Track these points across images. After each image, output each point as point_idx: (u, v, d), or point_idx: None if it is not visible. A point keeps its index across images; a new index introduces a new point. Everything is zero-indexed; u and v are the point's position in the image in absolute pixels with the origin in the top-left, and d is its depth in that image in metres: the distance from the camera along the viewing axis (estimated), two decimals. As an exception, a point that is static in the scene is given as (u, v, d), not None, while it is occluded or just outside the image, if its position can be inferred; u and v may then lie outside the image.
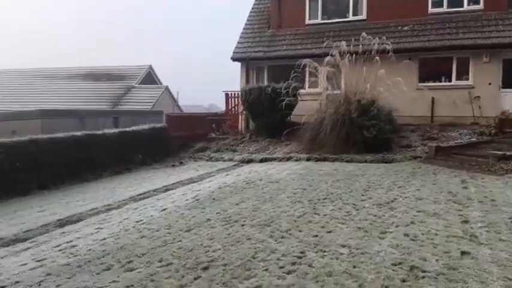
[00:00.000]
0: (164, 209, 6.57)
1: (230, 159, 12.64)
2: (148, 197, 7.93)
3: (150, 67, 30.80)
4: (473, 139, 11.81)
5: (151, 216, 6.19)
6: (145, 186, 9.19)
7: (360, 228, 4.95)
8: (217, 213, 6.05)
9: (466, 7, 14.80)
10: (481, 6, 14.55)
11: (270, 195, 7.03)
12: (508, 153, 9.39)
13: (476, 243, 4.35)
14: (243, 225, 5.29)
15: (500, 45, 13.47)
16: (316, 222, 5.25)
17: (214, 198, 7.06)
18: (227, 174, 9.92)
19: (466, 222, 5.13)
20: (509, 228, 4.78)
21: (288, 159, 11.80)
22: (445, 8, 15.07)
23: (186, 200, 7.19)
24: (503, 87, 13.66)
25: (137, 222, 5.90)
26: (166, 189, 8.69)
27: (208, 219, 5.71)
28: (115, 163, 12.09)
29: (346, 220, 5.33)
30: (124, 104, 26.70)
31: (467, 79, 14.25)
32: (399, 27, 15.34)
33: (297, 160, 11.55)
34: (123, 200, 7.80)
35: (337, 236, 4.69)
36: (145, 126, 14.29)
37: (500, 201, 6.12)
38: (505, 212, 5.47)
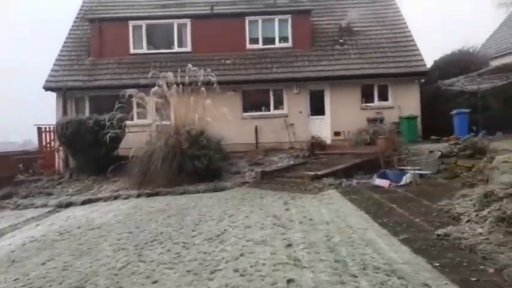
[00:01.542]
0: None
1: (44, 205, 10.72)
2: None
3: None
4: (291, 162, 13.04)
5: None
6: None
7: (189, 271, 4.56)
8: (15, 280, 4.80)
9: (277, 44, 16.63)
10: (290, 44, 16.56)
11: (89, 245, 6.04)
12: (319, 172, 10.59)
13: (300, 268, 4.47)
14: (47, 292, 4.27)
15: (307, 78, 15.49)
16: (141, 273, 4.64)
17: (13, 260, 5.66)
18: (37, 225, 8.29)
19: (290, 246, 5.31)
20: (327, 247, 5.13)
21: (116, 197, 10.72)
22: (260, 45, 16.62)
23: (-28, 268, 5.56)
24: (311, 115, 15.69)
25: None
26: None
27: (-1, 292, 4.45)
28: None
29: (174, 264, 4.87)
30: None
31: (282, 108, 15.88)
32: (222, 61, 16.15)
33: (125, 198, 10.58)
34: None
35: (163, 286, 4.19)
36: None
37: (317, 220, 6.66)
38: (321, 231, 5.92)
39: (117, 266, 4.95)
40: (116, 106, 12.69)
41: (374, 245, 5.14)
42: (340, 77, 15.36)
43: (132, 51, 16.56)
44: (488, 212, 5.43)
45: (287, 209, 7.69)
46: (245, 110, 15.72)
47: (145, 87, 13.03)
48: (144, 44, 16.66)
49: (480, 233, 5.03)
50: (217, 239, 5.88)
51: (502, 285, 3.75)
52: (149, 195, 10.67)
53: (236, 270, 4.49)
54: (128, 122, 13.54)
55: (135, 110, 14.63)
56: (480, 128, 11.50)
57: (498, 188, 5.73)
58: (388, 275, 4.10)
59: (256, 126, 15.37)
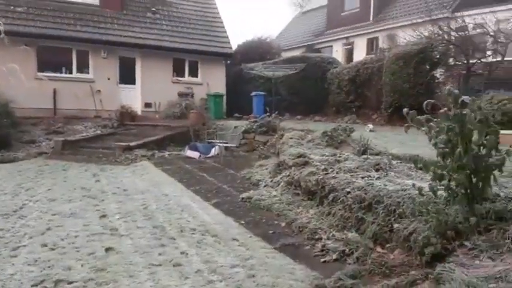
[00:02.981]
0: None
1: None
2: None
3: None
4: (98, 132, 12.25)
5: None
6: None
7: (-18, 251, 3.89)
8: None
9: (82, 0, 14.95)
10: (97, 2, 15.13)
11: None
12: (131, 143, 10.35)
13: (118, 236, 4.42)
14: None
15: (116, 43, 14.56)
16: None
17: None
18: None
19: (105, 216, 5.15)
20: (144, 215, 5.20)
21: None
22: (63, -4, 14.62)
23: None
24: (120, 83, 14.94)
25: None
26: None
27: None
28: None
29: (-41, 245, 4.05)
30: None
31: (88, 73, 14.56)
32: (12, 7, 13.49)
33: None
34: None
35: None
36: None
37: (131, 190, 6.59)
38: (137, 200, 5.92)
39: None
40: None
41: (189, 209, 5.51)
42: (152, 47, 15.10)
43: None
44: (280, 178, 6.55)
45: (97, 181, 7.30)
46: (41, 69, 13.66)
47: None
48: None
49: (275, 195, 6.03)
50: (14, 214, 5.14)
51: (291, 235, 4.66)
52: None
53: (44, 245, 4.09)
54: None
55: None
56: (273, 109, 13.39)
57: (287, 159, 6.93)
58: (203, 235, 4.51)
59: (55, 89, 13.62)
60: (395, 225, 3.83)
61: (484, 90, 11.51)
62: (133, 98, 14.87)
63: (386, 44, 16.94)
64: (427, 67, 11.81)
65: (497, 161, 2.96)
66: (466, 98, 3.07)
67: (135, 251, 4.01)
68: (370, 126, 10.39)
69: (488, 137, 3.02)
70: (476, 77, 13.07)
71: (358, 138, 7.73)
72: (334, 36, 22.19)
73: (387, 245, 3.87)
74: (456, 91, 3.06)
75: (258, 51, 18.28)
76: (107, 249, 4.02)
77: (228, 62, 17.11)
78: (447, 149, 3.13)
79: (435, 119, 3.42)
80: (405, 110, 3.44)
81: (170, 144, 11.17)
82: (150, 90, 14.98)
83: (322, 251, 4.14)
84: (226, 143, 10.21)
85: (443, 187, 3.32)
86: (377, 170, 5.44)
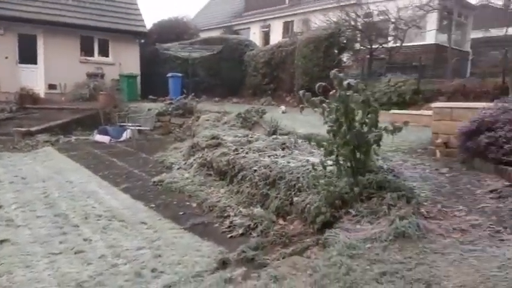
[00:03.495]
0: None
1: None
2: None
3: None
4: (-5, 116, 11.07)
5: None
6: None
7: None
8: None
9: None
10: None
11: None
12: (32, 129, 9.56)
13: (14, 227, 4.15)
14: None
15: (14, 18, 13.12)
16: None
17: None
18: None
19: (0, 207, 4.77)
20: (44, 204, 4.91)
21: None
22: None
23: None
24: (20, 63, 13.57)
25: None
26: None
27: None
28: None
29: None
30: None
31: (-20, 51, 12.97)
32: None
33: None
34: None
35: None
36: None
37: (31, 178, 6.15)
38: (37, 189, 5.56)
39: None
40: None
41: (95, 196, 5.33)
42: (56, 23, 13.87)
43: None
44: (194, 160, 6.59)
45: (-8, 169, 6.68)
46: None
47: None
48: None
49: (187, 177, 6.06)
50: None
51: (201, 215, 4.76)
52: None
53: None
54: None
55: None
56: (190, 91, 13.24)
57: (201, 141, 6.98)
58: (109, 220, 4.43)
59: None
60: (295, 199, 4.13)
61: (385, 74, 12.59)
62: (35, 79, 13.59)
63: (301, 28, 17.59)
64: (336, 51, 12.55)
65: (375, 137, 3.33)
66: (351, 81, 3.38)
67: (33, 241, 3.81)
68: (283, 108, 10.82)
69: (369, 116, 3.38)
70: (379, 61, 14.21)
71: (269, 120, 8.04)
72: (252, 18, 22.39)
73: (288, 217, 4.17)
74: (340, 75, 3.36)
75: (174, 31, 17.77)
76: (1, 242, 3.77)
77: (143, 41, 16.39)
78: (335, 127, 3.44)
79: (327, 101, 3.72)
80: (301, 92, 3.68)
81: (77, 129, 10.53)
82: (54, 71, 13.79)
83: (229, 227, 4.32)
84: (140, 126, 9.91)
85: (333, 162, 3.66)
86: (283, 149, 5.76)
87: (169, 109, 10.98)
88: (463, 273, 2.42)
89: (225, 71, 15.33)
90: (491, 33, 17.65)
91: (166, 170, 6.75)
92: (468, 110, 4.73)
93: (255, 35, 21.71)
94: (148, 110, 11.05)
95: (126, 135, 9.69)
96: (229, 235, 4.14)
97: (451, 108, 5.11)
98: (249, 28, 22.60)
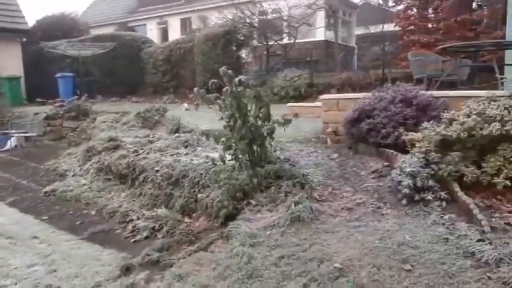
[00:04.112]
0: None
1: None
2: None
3: None
4: None
5: None
6: None
7: None
8: None
9: None
10: None
11: None
12: None
13: None
14: None
15: None
16: None
17: None
18: None
19: None
20: None
21: None
22: None
23: None
24: None
25: None
26: None
27: None
28: None
29: None
30: None
31: None
32: None
33: None
34: None
35: None
36: None
37: None
38: None
39: None
40: None
41: (-26, 214, 4.73)
42: None
43: None
44: (90, 165, 6.20)
45: None
46: None
47: None
48: None
49: (84, 184, 5.69)
50: None
51: (101, 222, 4.52)
52: None
53: None
54: None
55: None
56: (83, 92, 12.35)
57: (98, 144, 6.59)
58: (-5, 239, 3.97)
59: None
60: (199, 195, 4.16)
61: (282, 69, 13.21)
62: None
63: (198, 25, 17.51)
64: (234, 48, 12.78)
65: (268, 130, 3.51)
66: (242, 77, 3.51)
67: None
68: (185, 105, 10.71)
69: (262, 110, 3.55)
70: (276, 57, 14.86)
71: (172, 118, 7.90)
72: (148, 14, 21.63)
73: (194, 215, 4.18)
74: (230, 72, 3.46)
75: (61, 28, 16.32)
76: None
77: (25, 40, 14.80)
78: (231, 123, 3.54)
79: (223, 97, 3.80)
80: (195, 89, 3.71)
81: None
82: None
83: (133, 231, 4.19)
84: (26, 132, 8.96)
85: (232, 156, 3.76)
86: (186, 147, 5.73)
87: (61, 112, 10.10)
88: (350, 248, 2.70)
89: (122, 69, 14.60)
90: (371, 30, 19.59)
91: (60, 178, 6.24)
92: (351, 101, 5.21)
93: (152, 32, 21.04)
94: (35, 114, 10.04)
95: (10, 143, 8.68)
96: (133, 240, 4.01)
97: (337, 99, 5.59)
98: (145, 25, 21.82)
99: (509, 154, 3.00)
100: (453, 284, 2.21)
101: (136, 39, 15.69)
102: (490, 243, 2.43)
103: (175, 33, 19.71)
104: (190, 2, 20.26)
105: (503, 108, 3.17)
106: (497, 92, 4.09)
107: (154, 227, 4.12)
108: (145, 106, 9.47)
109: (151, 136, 6.74)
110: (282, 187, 3.65)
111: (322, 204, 3.41)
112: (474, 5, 13.49)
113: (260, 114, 3.53)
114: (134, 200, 4.89)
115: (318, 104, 7.94)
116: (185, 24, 20.33)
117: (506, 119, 3.04)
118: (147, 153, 5.54)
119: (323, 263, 2.57)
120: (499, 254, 2.28)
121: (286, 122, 3.54)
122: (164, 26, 21.20)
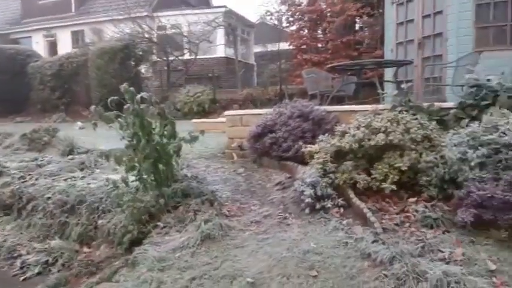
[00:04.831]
0: None
1: None
2: None
3: None
4: None
5: None
6: None
7: None
8: None
9: None
10: None
11: None
12: None
13: None
14: None
15: None
16: None
17: None
18: None
19: None
20: None
21: None
22: None
23: None
24: None
25: None
26: None
27: None
28: None
29: None
30: None
31: None
32: None
33: None
34: None
35: None
36: None
37: None
38: None
39: None
40: None
41: None
42: None
43: None
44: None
45: None
46: None
47: None
48: None
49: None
50: None
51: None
52: None
53: None
54: None
55: None
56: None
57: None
58: None
59: None
60: (100, 222, 3.86)
61: (184, 85, 13.10)
62: None
63: (92, 38, 16.50)
64: (132, 63, 12.33)
65: (174, 147, 3.43)
66: (145, 94, 3.38)
67: None
68: (79, 123, 9.94)
69: (167, 128, 3.45)
70: (178, 73, 14.70)
71: (64, 139, 7.25)
72: (33, 26, 19.70)
73: (93, 243, 3.86)
74: (132, 89, 3.32)
75: None
76: None
77: None
78: (134, 142, 3.38)
79: (124, 115, 3.61)
80: (92, 107, 3.47)
81: None
82: None
83: (22, 268, 3.71)
84: None
85: (136, 177, 3.58)
86: (82, 170, 5.31)
87: None
88: (260, 261, 2.74)
89: (3, 86, 13.01)
90: (268, 48, 20.57)
91: None
92: (254, 116, 5.37)
93: (38, 45, 19.22)
94: None
95: None
96: (22, 278, 3.55)
97: (240, 115, 5.71)
98: (30, 37, 19.84)
99: (393, 161, 3.36)
100: (355, 285, 2.38)
101: (20, 53, 14.20)
102: (383, 243, 2.67)
103: (65, 47, 18.25)
104: (82, 14, 19.03)
105: (386, 120, 3.55)
106: (380, 106, 4.59)
107: (48, 260, 3.71)
108: (32, 126, 8.55)
109: (40, 159, 6.10)
110: (190, 206, 3.58)
111: (232, 220, 3.43)
112: (357, 26, 15.05)
113: (165, 132, 3.43)
114: (22, 233, 4.33)
115: (222, 119, 8.03)
116: (77, 37, 19.00)
117: (389, 130, 3.42)
118: (36, 179, 5.00)
119: (235, 279, 2.57)
120: (392, 252, 2.51)
121: (193, 139, 3.50)
122: (52, 38, 19.53)
